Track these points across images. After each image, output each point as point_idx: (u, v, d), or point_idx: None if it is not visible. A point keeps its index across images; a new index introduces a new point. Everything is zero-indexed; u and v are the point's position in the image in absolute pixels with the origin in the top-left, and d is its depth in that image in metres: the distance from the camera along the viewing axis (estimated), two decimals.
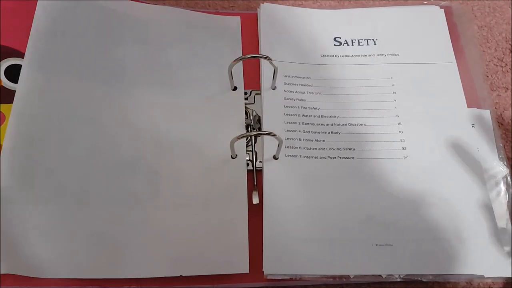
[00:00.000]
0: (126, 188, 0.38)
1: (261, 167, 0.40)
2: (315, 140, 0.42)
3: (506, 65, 0.48)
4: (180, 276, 0.35)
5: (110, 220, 0.37)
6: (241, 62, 0.44)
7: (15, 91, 0.41)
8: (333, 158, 0.41)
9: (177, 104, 0.42)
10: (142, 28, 0.46)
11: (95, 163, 0.39)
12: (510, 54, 0.48)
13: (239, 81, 0.44)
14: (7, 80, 0.42)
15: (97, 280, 0.35)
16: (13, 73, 0.42)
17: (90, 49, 0.44)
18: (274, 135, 0.37)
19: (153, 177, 0.39)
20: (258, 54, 0.44)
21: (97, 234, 0.37)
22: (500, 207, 0.39)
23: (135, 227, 0.37)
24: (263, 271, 0.35)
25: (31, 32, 0.43)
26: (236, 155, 0.40)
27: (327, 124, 0.42)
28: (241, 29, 0.47)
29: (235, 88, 0.43)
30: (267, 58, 0.40)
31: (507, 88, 0.46)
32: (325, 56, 0.46)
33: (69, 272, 0.35)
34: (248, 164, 0.40)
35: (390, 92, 0.44)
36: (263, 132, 0.38)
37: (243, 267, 0.35)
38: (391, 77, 0.45)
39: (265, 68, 0.44)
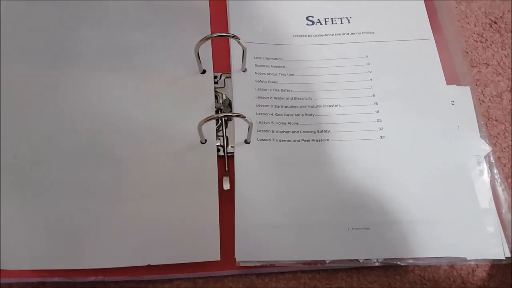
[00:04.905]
0: (86, 177, 0.37)
1: (233, 153, 0.39)
2: (288, 123, 0.40)
3: (487, 40, 0.46)
4: (148, 265, 0.34)
5: (70, 211, 0.36)
6: (210, 44, 0.43)
7: None
8: (307, 141, 0.40)
9: (141, 88, 0.41)
10: (101, 10, 0.45)
11: (52, 152, 0.38)
12: (491, 29, 0.47)
13: (208, 64, 0.43)
14: None
15: (62, 271, 0.35)
16: None
17: (45, 34, 0.43)
18: (243, 116, 0.36)
19: (116, 165, 0.38)
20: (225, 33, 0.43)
21: (56, 224, 0.35)
22: (483, 187, 0.38)
23: (97, 217, 0.36)
24: (235, 258, 0.35)
25: None
26: (206, 140, 0.39)
27: (300, 106, 0.41)
28: (209, 9, 0.46)
29: (203, 71, 0.42)
30: (234, 37, 0.39)
31: (487, 64, 0.45)
32: (297, 36, 0.45)
33: (31, 264, 0.34)
34: (219, 150, 0.39)
35: (366, 71, 0.43)
36: (231, 114, 0.37)
37: (214, 255, 0.34)
38: (367, 56, 0.44)
39: (235, 50, 0.43)
